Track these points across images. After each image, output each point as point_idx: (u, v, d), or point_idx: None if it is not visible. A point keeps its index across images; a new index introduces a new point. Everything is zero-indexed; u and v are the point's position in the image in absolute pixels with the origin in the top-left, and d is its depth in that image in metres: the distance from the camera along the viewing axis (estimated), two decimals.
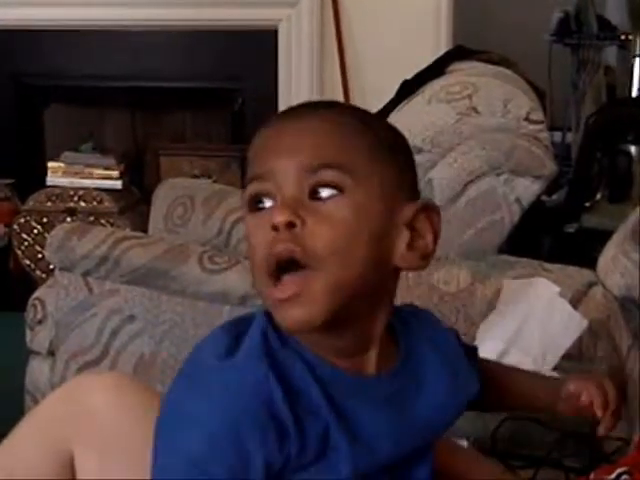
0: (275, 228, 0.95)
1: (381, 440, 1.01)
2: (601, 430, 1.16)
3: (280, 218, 0.95)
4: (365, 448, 1.00)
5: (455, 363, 1.12)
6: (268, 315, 1.01)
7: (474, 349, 1.20)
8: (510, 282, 1.87)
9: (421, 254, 1.02)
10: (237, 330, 1.03)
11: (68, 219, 3.86)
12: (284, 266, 0.96)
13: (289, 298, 0.96)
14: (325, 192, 0.96)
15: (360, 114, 1.03)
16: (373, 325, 1.02)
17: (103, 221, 3.88)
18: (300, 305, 0.96)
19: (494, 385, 1.19)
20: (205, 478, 0.95)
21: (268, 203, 0.98)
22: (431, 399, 1.06)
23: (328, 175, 0.96)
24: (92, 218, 3.90)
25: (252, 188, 0.99)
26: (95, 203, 3.96)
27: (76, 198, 3.97)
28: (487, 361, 1.23)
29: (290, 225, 0.95)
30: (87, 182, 4.00)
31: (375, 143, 1.00)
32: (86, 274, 2.36)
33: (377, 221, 0.99)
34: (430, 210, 1.03)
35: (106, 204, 3.95)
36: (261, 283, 0.98)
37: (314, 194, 0.96)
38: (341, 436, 0.98)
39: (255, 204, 0.99)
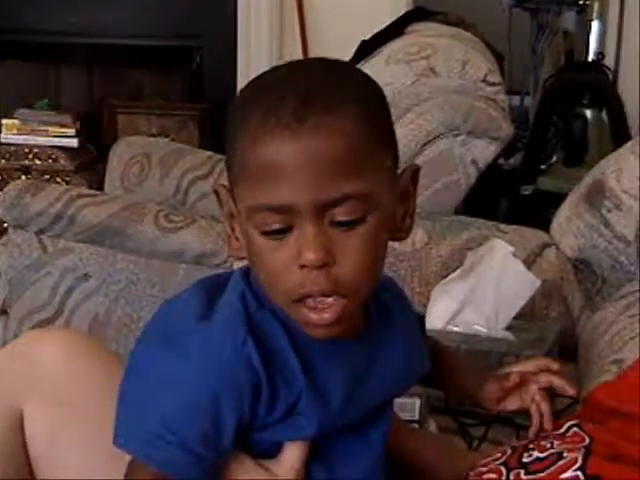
0: (304, 266, 0.91)
1: (344, 402, 1.01)
2: (545, 426, 1.11)
3: (313, 258, 0.90)
4: (331, 410, 1.00)
5: (414, 337, 1.12)
6: (245, 276, 1.00)
7: (422, 319, 1.19)
8: (473, 252, 1.88)
9: (411, 218, 1.00)
10: (212, 289, 1.01)
11: (23, 177, 3.82)
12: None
13: (327, 323, 0.94)
14: (348, 221, 0.91)
15: (358, 101, 0.93)
16: None
17: (59, 179, 3.83)
18: (336, 326, 0.94)
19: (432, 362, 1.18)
20: (176, 440, 0.94)
21: (283, 229, 0.92)
22: (389, 368, 1.05)
23: (350, 206, 0.91)
24: (47, 176, 3.86)
25: (265, 218, 0.92)
26: (50, 161, 3.91)
27: (31, 156, 3.92)
28: (428, 336, 1.22)
29: (322, 265, 0.91)
30: (42, 140, 3.95)
31: (379, 139, 0.94)
32: (40, 232, 2.34)
33: (390, 222, 0.97)
34: (417, 173, 1.01)
35: (62, 162, 3.91)
36: (285, 304, 0.95)
37: (336, 222, 0.91)
38: (311, 400, 0.98)
39: (267, 230, 0.93)
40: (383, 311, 1.06)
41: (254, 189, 0.91)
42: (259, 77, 0.98)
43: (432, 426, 1.58)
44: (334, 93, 0.92)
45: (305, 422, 0.99)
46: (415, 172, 1.00)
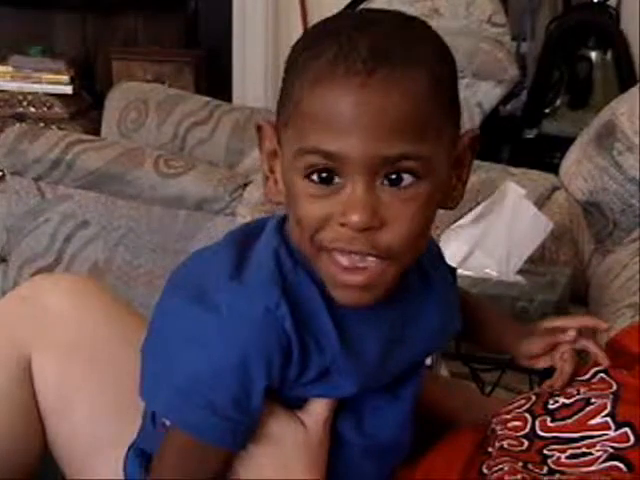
0: (344, 224, 0.85)
1: (380, 364, 0.98)
2: (555, 385, 1.06)
3: (357, 220, 0.84)
4: (366, 372, 0.97)
5: (448, 293, 1.07)
6: (280, 229, 0.95)
7: (454, 270, 1.14)
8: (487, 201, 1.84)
9: (462, 187, 0.94)
10: (244, 242, 0.97)
11: (17, 124, 3.76)
12: None
13: (359, 285, 0.88)
14: (402, 179, 0.85)
15: (432, 62, 0.87)
16: None
17: (53, 127, 3.77)
18: (369, 291, 0.89)
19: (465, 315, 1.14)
20: (204, 401, 0.91)
21: (329, 177, 0.86)
22: (425, 327, 1.02)
23: (407, 165, 0.85)
24: (42, 124, 3.81)
25: (313, 160, 0.86)
26: (45, 108, 3.87)
27: (25, 103, 3.87)
28: (459, 288, 1.17)
29: (366, 229, 0.85)
30: (36, 87, 3.90)
31: (446, 104, 0.88)
32: (38, 178, 2.30)
33: (442, 190, 0.90)
34: (475, 139, 0.94)
35: (56, 109, 3.86)
36: (313, 254, 0.89)
37: (389, 178, 0.85)
38: (347, 363, 0.94)
39: (313, 173, 0.86)
40: (419, 269, 1.01)
41: (307, 130, 0.85)
42: (332, 18, 0.92)
43: (444, 371, 1.55)
44: (410, 49, 0.86)
45: (342, 382, 0.96)
46: (474, 139, 0.94)
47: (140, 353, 0.98)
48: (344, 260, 0.87)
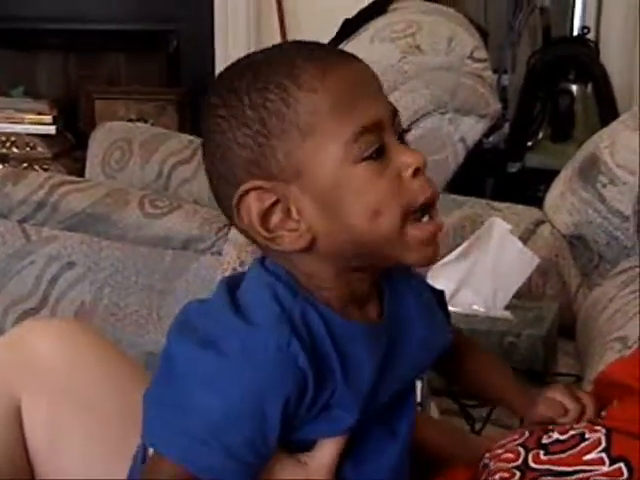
0: (417, 171, 0.92)
1: (374, 387, 0.97)
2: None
3: (422, 159, 0.92)
4: (362, 396, 0.96)
5: (431, 311, 1.07)
6: (262, 266, 0.96)
7: (441, 293, 1.15)
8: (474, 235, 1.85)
9: None
10: (232, 286, 0.96)
11: (0, 166, 3.77)
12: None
13: (438, 232, 0.94)
14: (405, 130, 0.96)
15: None
16: (378, 269, 0.99)
17: (37, 167, 3.79)
18: (437, 240, 0.95)
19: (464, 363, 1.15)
20: (220, 446, 0.89)
21: (379, 148, 0.92)
22: (412, 346, 1.02)
23: (399, 118, 0.95)
24: (25, 164, 3.82)
25: (365, 139, 0.90)
26: (28, 149, 3.87)
27: (8, 144, 3.88)
28: (466, 338, 1.17)
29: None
30: (19, 127, 3.90)
31: None
32: (23, 221, 2.29)
33: None
34: None
35: (39, 150, 3.86)
36: (396, 228, 0.92)
37: (399, 134, 0.95)
38: (346, 389, 0.94)
39: (371, 150, 0.91)
40: (394, 287, 1.02)
41: (346, 118, 0.90)
42: (252, 55, 0.96)
43: (433, 409, 1.55)
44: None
45: (344, 413, 0.95)
46: None
47: (142, 399, 0.95)
48: (418, 217, 0.93)
